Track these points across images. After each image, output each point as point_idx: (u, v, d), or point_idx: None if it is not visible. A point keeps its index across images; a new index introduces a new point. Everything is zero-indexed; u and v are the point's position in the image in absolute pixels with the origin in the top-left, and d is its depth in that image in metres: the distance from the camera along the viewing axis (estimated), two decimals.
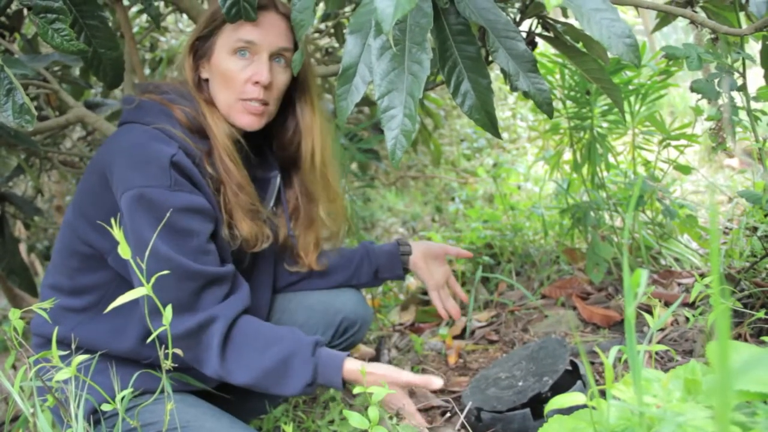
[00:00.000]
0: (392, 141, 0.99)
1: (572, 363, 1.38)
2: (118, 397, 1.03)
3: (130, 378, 1.18)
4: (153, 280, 0.93)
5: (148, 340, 1.08)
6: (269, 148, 1.48)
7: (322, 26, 2.87)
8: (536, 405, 1.27)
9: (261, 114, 1.33)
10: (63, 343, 1.25)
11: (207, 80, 1.35)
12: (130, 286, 1.23)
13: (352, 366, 1.25)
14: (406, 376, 1.25)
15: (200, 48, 1.34)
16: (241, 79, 1.29)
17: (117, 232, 0.85)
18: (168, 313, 0.91)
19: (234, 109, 1.32)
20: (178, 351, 1.17)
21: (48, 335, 1.29)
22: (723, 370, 0.41)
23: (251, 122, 1.33)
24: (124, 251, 0.86)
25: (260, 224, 1.38)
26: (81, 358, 0.98)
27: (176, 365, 1.25)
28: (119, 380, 1.21)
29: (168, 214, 1.15)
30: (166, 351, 0.97)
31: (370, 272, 1.63)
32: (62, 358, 1.19)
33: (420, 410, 1.57)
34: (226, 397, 1.39)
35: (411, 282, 2.73)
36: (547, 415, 0.83)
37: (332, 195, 1.52)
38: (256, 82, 1.29)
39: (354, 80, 1.05)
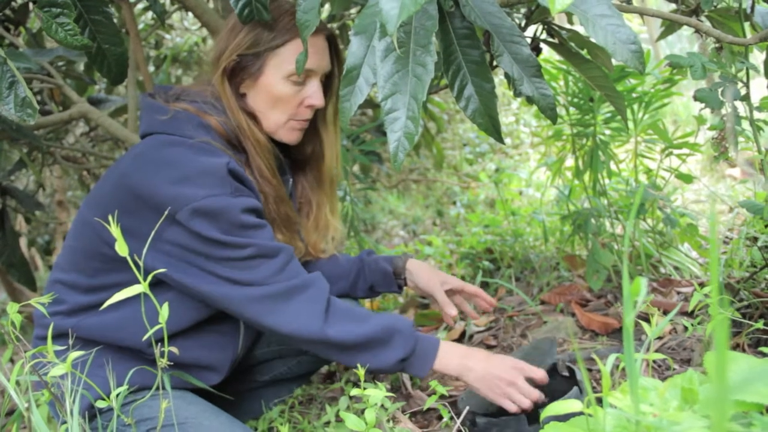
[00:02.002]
0: (395, 143, 0.99)
1: (569, 368, 1.38)
2: (114, 393, 1.03)
3: (129, 374, 1.17)
4: (150, 277, 0.92)
5: (145, 336, 1.07)
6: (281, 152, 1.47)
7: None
8: (531, 410, 1.27)
9: (303, 130, 1.39)
10: (73, 336, 1.25)
11: (243, 94, 1.34)
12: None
13: (447, 348, 1.29)
14: (516, 375, 1.27)
15: (243, 65, 1.30)
16: (295, 103, 1.32)
17: (115, 229, 0.85)
18: (164, 311, 0.91)
19: (284, 128, 1.35)
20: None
21: (54, 326, 1.27)
22: (720, 381, 0.41)
23: (295, 138, 1.38)
24: (122, 249, 0.86)
25: (295, 237, 1.40)
26: (77, 353, 0.98)
27: (177, 362, 1.25)
28: (119, 375, 1.20)
29: (237, 217, 1.17)
30: (162, 349, 0.96)
31: (365, 288, 1.62)
32: (65, 351, 1.19)
33: (416, 413, 1.57)
34: (224, 396, 1.39)
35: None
36: (543, 422, 0.83)
37: (335, 198, 1.53)
38: (310, 105, 1.33)
39: (358, 82, 1.05)
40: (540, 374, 1.28)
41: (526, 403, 1.25)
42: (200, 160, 1.19)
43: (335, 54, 1.38)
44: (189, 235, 1.16)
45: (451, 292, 1.56)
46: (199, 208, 1.15)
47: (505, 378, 1.26)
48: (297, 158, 1.49)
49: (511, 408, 1.25)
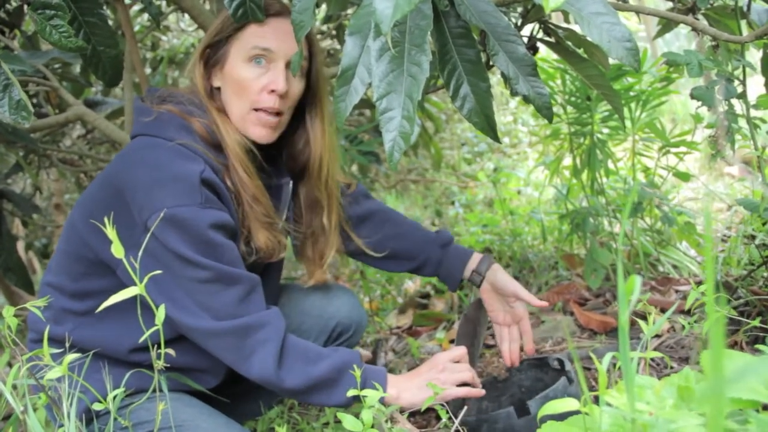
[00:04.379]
0: (390, 143, 0.99)
1: (559, 361, 1.39)
2: (110, 396, 1.02)
3: (125, 377, 1.17)
4: (146, 279, 0.92)
5: (142, 338, 1.07)
6: (279, 155, 1.45)
7: (324, 28, 2.87)
8: (521, 404, 1.29)
9: (274, 127, 1.31)
10: (62, 343, 1.24)
11: (218, 88, 1.32)
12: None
13: (392, 380, 1.29)
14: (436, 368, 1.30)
15: (212, 55, 1.30)
16: (256, 88, 1.27)
17: (110, 231, 0.85)
18: (161, 313, 0.90)
19: (247, 120, 1.29)
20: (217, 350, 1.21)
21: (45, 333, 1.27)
22: (716, 378, 0.41)
23: (264, 135, 1.31)
24: (117, 250, 0.86)
25: (277, 235, 1.37)
26: (73, 356, 0.98)
27: (174, 366, 1.25)
28: (115, 379, 1.20)
29: (202, 231, 1.15)
30: (159, 351, 0.96)
31: (431, 272, 1.57)
32: (59, 356, 1.18)
33: (414, 413, 1.57)
34: (221, 399, 1.39)
35: (409, 285, 2.72)
36: (540, 421, 0.83)
37: (335, 206, 1.49)
38: (272, 91, 1.27)
39: (353, 82, 1.05)
40: (458, 352, 1.34)
41: (465, 376, 1.30)
42: (175, 164, 1.18)
43: (311, 47, 1.36)
44: (157, 244, 1.15)
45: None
46: (167, 217, 1.13)
47: (434, 371, 1.30)
48: (292, 165, 1.46)
49: (460, 393, 1.29)
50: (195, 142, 1.23)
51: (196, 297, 1.18)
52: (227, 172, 1.28)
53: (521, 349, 1.50)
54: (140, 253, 1.03)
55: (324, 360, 1.24)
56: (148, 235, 1.11)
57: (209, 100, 1.30)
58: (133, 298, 1.02)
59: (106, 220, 0.92)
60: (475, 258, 1.52)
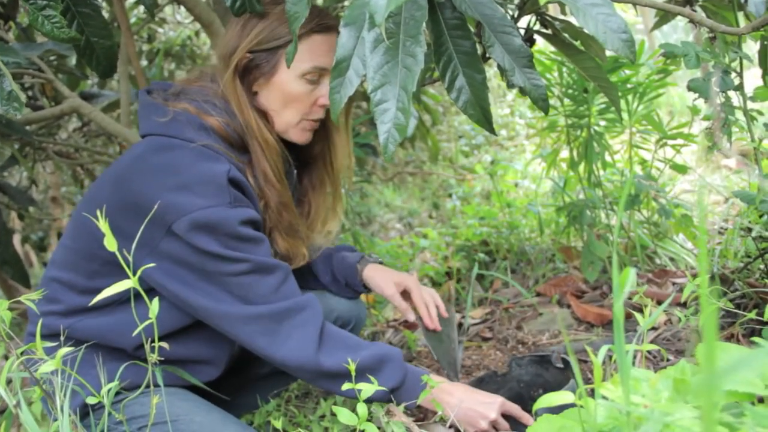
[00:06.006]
0: (385, 135, 0.98)
1: (563, 360, 1.39)
2: (104, 389, 1.02)
3: (120, 370, 1.16)
4: (139, 272, 0.91)
5: (135, 332, 1.06)
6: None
7: None
8: (519, 398, 1.29)
9: (314, 129, 1.36)
10: (67, 338, 1.23)
11: (255, 92, 1.30)
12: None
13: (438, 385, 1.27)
14: (493, 408, 1.25)
15: (256, 62, 1.27)
16: (309, 102, 1.29)
17: (103, 224, 0.84)
18: (155, 306, 0.90)
19: (295, 128, 1.32)
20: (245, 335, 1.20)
21: (49, 326, 1.25)
22: (710, 371, 0.41)
23: (306, 138, 1.35)
24: (110, 244, 0.85)
25: (299, 243, 1.38)
26: (67, 350, 0.97)
27: (176, 358, 1.24)
28: (111, 373, 1.19)
29: (233, 229, 1.15)
30: (153, 345, 0.96)
31: (343, 284, 1.59)
32: (57, 348, 1.18)
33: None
34: (218, 393, 1.39)
35: None
36: (535, 413, 0.83)
37: (339, 195, 1.51)
38: (323, 105, 1.30)
39: (347, 73, 1.04)
40: (524, 418, 1.27)
41: None
42: (200, 166, 1.17)
43: None
44: (185, 246, 1.15)
45: (406, 294, 1.54)
46: (196, 219, 1.13)
47: (480, 412, 1.25)
48: (303, 157, 1.46)
49: None
50: (215, 143, 1.22)
51: (232, 289, 1.18)
52: (250, 170, 1.28)
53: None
54: (135, 250, 1.02)
55: (365, 349, 1.24)
56: (145, 236, 1.10)
57: (248, 101, 1.28)
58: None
59: (98, 213, 0.91)
60: (357, 263, 1.55)
